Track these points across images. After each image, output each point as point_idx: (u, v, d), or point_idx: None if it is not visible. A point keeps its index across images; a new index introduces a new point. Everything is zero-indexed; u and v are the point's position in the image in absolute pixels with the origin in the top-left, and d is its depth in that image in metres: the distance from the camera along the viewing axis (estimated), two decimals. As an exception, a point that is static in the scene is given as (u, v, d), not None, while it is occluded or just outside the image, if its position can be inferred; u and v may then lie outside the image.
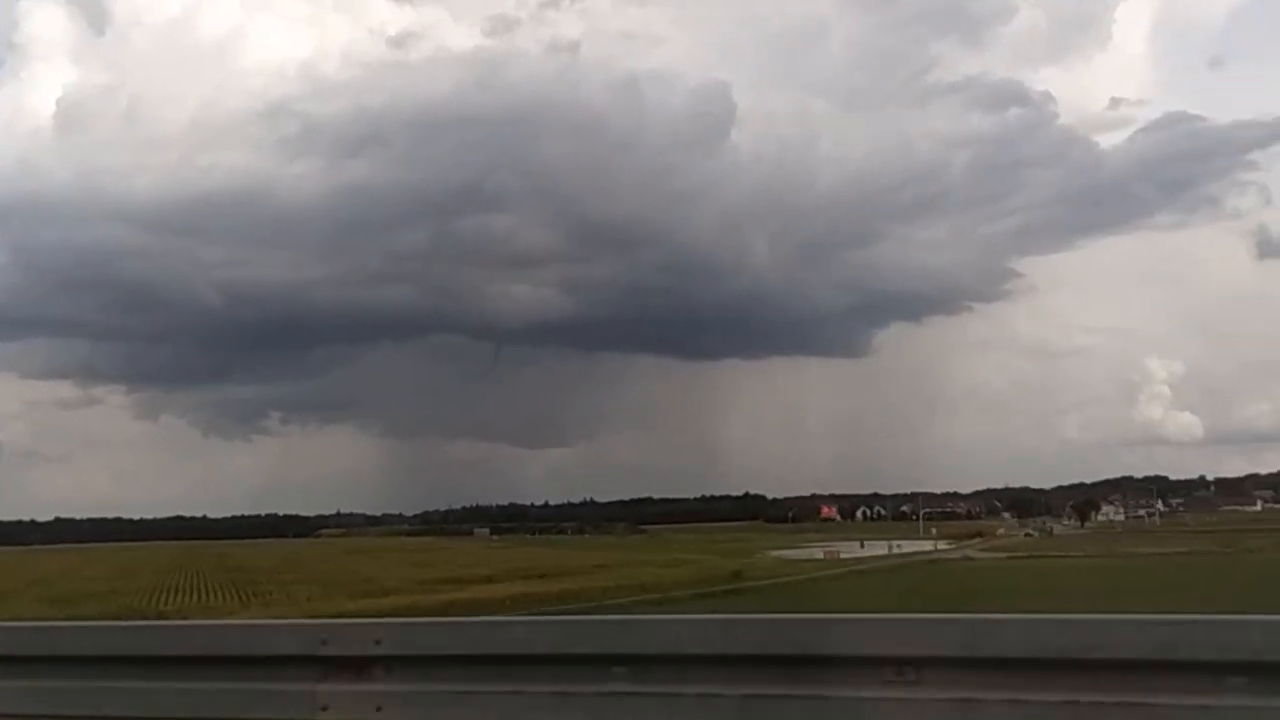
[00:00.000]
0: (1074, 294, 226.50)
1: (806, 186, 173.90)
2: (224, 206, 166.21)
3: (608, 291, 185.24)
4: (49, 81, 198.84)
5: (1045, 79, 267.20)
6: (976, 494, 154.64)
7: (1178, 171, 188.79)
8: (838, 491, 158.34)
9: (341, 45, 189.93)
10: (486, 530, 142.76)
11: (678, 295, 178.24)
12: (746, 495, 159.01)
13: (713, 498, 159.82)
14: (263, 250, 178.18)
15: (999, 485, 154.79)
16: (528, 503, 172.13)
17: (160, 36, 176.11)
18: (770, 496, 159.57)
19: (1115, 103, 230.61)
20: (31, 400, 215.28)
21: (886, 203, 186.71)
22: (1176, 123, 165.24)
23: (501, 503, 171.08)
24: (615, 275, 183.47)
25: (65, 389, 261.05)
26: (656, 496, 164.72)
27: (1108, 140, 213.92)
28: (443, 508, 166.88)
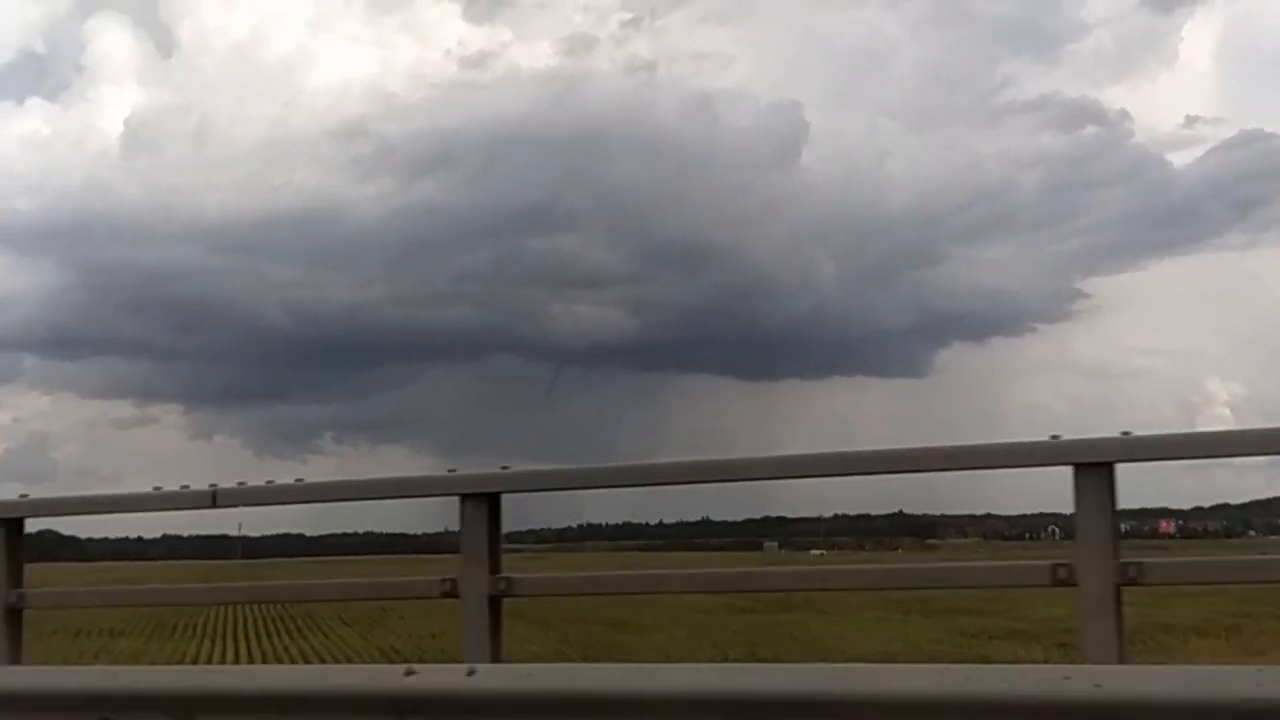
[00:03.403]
0: (1138, 314, 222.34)
1: (874, 206, 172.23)
2: (292, 226, 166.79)
3: (671, 312, 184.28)
4: (116, 102, 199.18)
5: (1115, 97, 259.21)
6: (1022, 517, 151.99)
7: (1250, 190, 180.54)
8: (840, 513, 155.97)
9: (409, 65, 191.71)
10: (775, 544, 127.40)
11: (741, 315, 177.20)
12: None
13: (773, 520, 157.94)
14: (328, 270, 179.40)
15: (1049, 510, 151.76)
16: (580, 523, 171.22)
17: (227, 58, 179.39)
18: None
19: (1190, 120, 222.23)
20: (88, 419, 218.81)
21: (953, 222, 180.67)
22: (1251, 141, 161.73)
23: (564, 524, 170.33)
24: (680, 295, 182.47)
25: (123, 408, 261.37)
26: (714, 519, 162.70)
27: (1180, 159, 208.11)
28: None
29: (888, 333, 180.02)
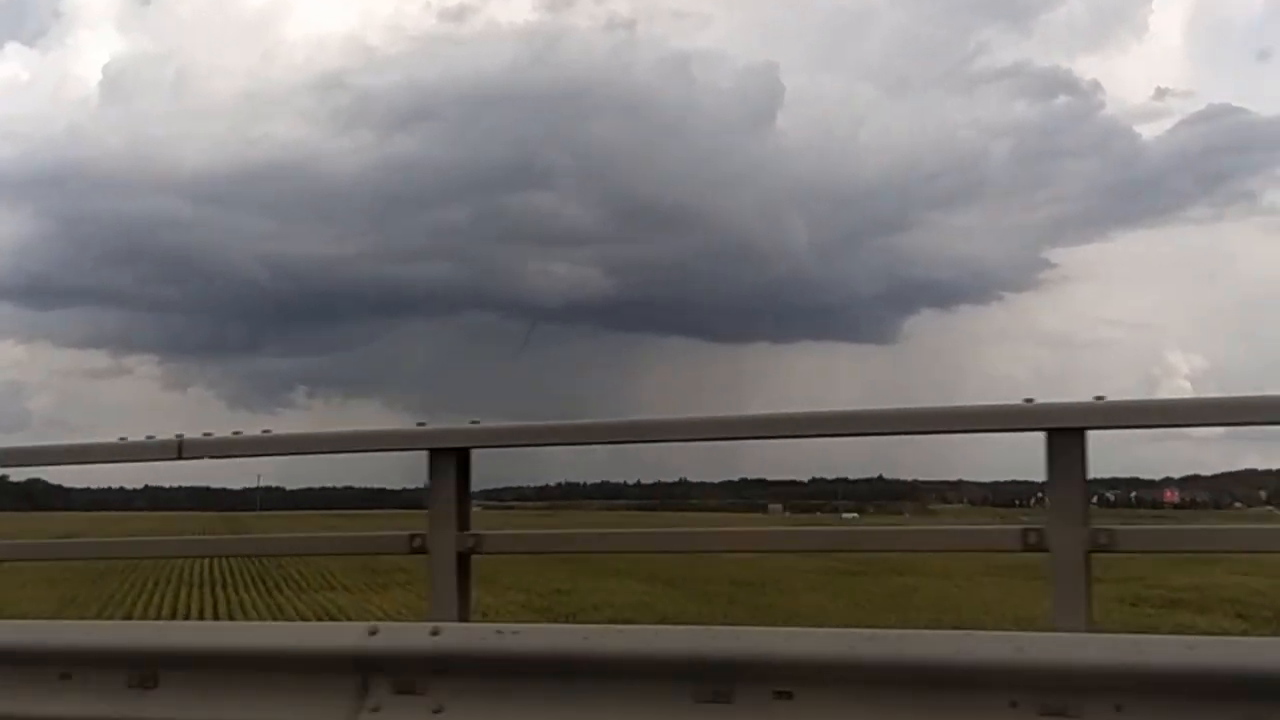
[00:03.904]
0: (1104, 286, 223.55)
1: (848, 171, 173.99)
2: (270, 178, 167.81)
3: (647, 272, 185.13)
4: (95, 50, 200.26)
5: (1087, 68, 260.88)
6: (984, 485, 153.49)
7: (1216, 164, 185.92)
8: (818, 476, 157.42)
9: (388, 17, 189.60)
10: (780, 506, 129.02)
11: (714, 278, 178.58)
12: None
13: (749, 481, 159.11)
14: (306, 223, 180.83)
15: (1006, 479, 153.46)
16: (548, 482, 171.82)
17: (206, 7, 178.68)
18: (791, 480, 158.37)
19: (1161, 93, 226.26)
20: (63, 369, 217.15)
21: (925, 189, 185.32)
22: (1219, 115, 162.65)
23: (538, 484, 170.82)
24: (655, 256, 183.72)
25: (98, 359, 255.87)
26: (693, 480, 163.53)
27: (1149, 131, 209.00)
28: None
29: (858, 298, 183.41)
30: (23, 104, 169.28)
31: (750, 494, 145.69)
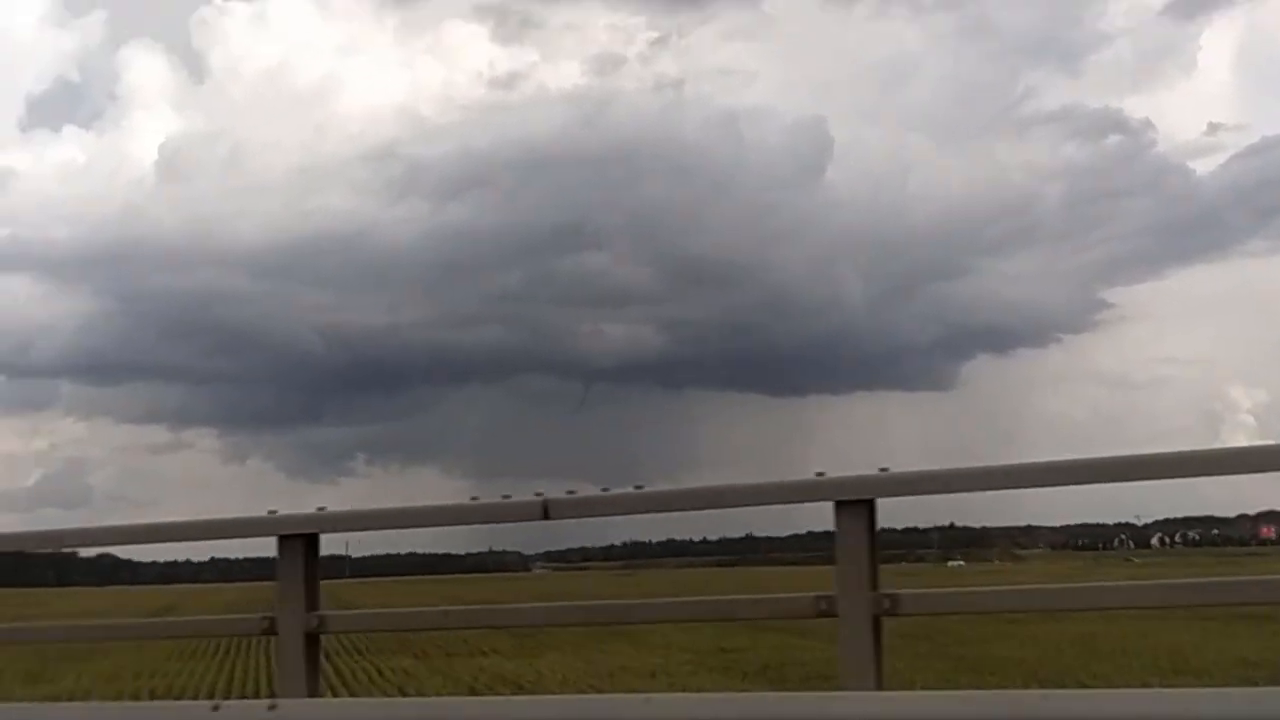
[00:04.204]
0: (1161, 323, 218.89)
1: (899, 221, 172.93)
2: (325, 250, 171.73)
3: (700, 329, 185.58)
4: (151, 130, 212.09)
5: (1137, 106, 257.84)
6: (1052, 529, 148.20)
7: (1271, 197, 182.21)
8: (886, 526, 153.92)
9: (438, 88, 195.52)
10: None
11: (768, 332, 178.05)
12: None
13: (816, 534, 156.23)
14: (361, 293, 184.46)
15: (1074, 521, 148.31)
16: (614, 542, 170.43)
17: (258, 84, 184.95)
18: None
19: (1213, 128, 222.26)
20: (123, 445, 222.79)
21: (977, 235, 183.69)
22: (1272, 147, 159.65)
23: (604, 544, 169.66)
24: (708, 313, 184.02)
25: (158, 433, 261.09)
26: (758, 535, 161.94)
27: (1202, 166, 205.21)
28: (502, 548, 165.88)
29: (913, 346, 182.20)
30: (80, 186, 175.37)
31: (820, 546, 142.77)
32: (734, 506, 3.74)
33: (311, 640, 3.81)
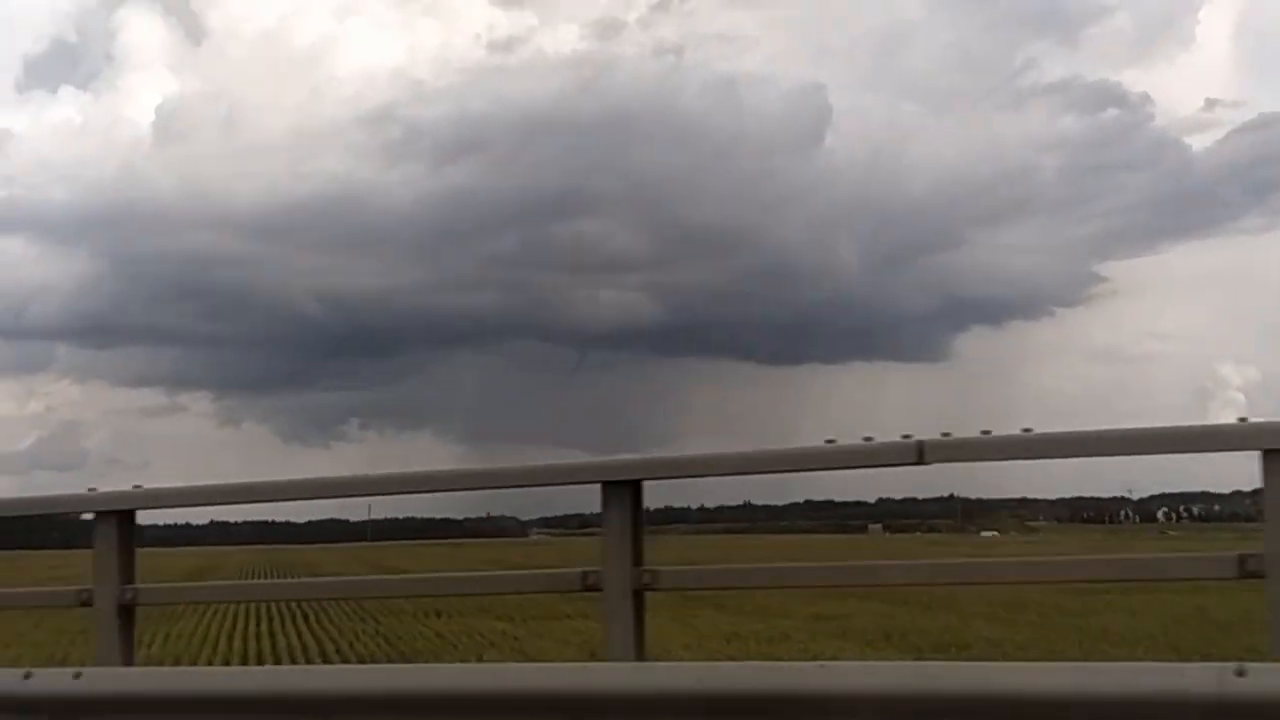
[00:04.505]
0: (1155, 299, 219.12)
1: (896, 190, 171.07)
2: (322, 212, 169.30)
3: (695, 296, 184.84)
4: (147, 91, 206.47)
5: (1136, 80, 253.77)
6: (1044, 502, 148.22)
7: (1268, 174, 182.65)
8: (884, 496, 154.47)
9: (436, 50, 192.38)
10: (880, 526, 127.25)
11: (764, 300, 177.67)
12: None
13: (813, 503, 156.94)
14: (357, 256, 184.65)
15: (1067, 495, 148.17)
16: (587, 511, 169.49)
17: (256, 46, 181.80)
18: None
19: (1210, 104, 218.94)
20: (119, 408, 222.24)
21: (975, 206, 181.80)
22: (1270, 124, 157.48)
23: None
24: (704, 280, 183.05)
25: (153, 397, 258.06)
26: (757, 503, 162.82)
27: (1199, 142, 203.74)
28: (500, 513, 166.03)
29: (908, 317, 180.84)
30: (77, 147, 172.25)
31: (822, 515, 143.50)
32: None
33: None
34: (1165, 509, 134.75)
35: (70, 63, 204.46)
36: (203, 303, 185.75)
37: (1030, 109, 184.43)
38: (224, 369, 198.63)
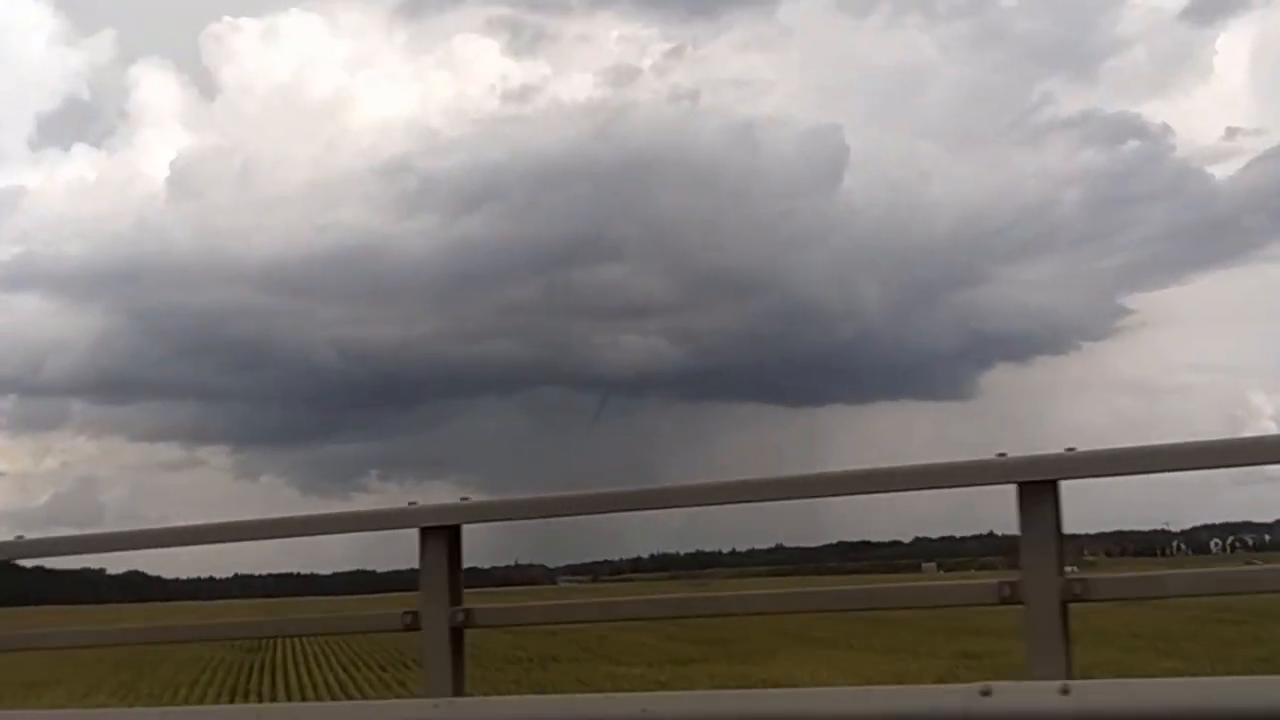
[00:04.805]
0: (1182, 329, 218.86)
1: (916, 229, 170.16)
2: (339, 264, 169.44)
3: (717, 340, 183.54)
4: (162, 146, 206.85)
5: (1155, 111, 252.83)
6: (1085, 537, 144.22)
7: None
8: (921, 536, 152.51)
9: (450, 101, 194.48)
10: (934, 564, 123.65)
11: (785, 342, 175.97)
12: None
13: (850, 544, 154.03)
14: (375, 307, 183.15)
15: (1093, 530, 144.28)
16: (616, 557, 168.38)
17: (269, 100, 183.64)
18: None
19: (1231, 133, 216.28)
20: (135, 463, 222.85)
21: (995, 242, 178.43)
22: None
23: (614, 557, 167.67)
24: (725, 324, 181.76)
25: (171, 451, 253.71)
26: (789, 545, 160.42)
27: (1221, 171, 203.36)
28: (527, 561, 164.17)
29: (932, 355, 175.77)
30: (92, 203, 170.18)
31: (858, 557, 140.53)
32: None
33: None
34: (1217, 539, 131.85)
35: (84, 120, 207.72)
36: (220, 356, 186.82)
37: (1049, 144, 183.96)
38: (242, 422, 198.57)
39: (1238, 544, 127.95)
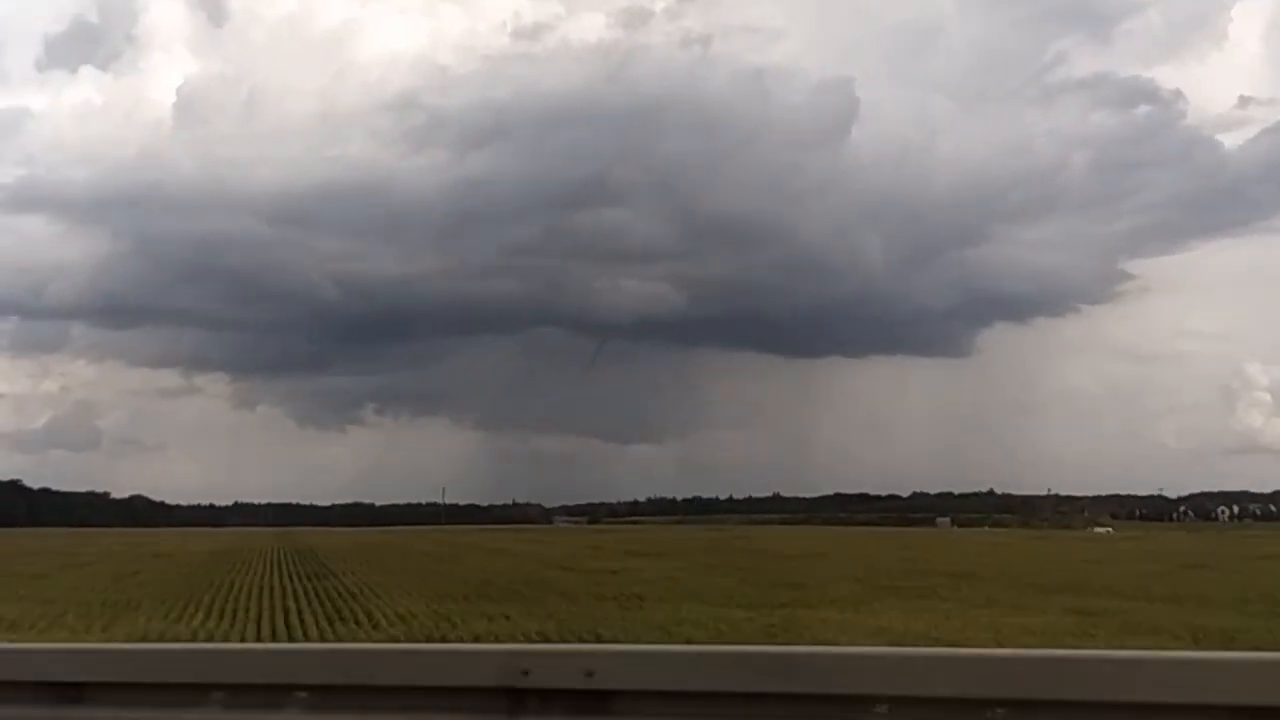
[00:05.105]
0: (1182, 297, 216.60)
1: (923, 185, 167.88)
2: (345, 198, 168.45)
3: (718, 288, 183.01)
4: (168, 72, 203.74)
5: (1168, 77, 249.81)
6: (1093, 499, 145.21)
7: None
8: (919, 490, 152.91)
9: (460, 37, 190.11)
10: (948, 520, 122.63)
11: (788, 293, 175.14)
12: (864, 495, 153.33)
13: (846, 496, 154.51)
14: (379, 242, 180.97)
15: (1090, 493, 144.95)
16: (613, 500, 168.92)
17: (277, 29, 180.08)
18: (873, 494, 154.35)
19: (1244, 101, 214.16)
20: (134, 388, 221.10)
21: (1001, 202, 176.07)
22: None
23: (609, 500, 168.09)
24: (728, 272, 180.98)
25: (170, 378, 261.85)
26: (786, 495, 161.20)
27: (1231, 140, 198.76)
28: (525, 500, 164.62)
29: (931, 312, 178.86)
30: (98, 127, 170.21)
31: (855, 508, 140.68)
32: None
33: None
34: (1223, 507, 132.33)
35: (91, 43, 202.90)
36: (222, 285, 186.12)
37: (1060, 105, 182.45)
38: (241, 351, 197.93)
39: (1249, 514, 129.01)
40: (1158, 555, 44.57)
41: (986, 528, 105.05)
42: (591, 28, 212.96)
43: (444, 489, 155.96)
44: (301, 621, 19.91)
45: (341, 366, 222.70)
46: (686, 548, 50.25)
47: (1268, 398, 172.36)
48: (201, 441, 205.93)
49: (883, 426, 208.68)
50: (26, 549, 48.95)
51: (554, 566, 34.94)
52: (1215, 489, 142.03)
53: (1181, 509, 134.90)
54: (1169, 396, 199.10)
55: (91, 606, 21.07)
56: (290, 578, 31.49)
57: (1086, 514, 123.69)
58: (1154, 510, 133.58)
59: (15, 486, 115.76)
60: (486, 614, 19.41)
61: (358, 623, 19.18)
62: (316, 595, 25.30)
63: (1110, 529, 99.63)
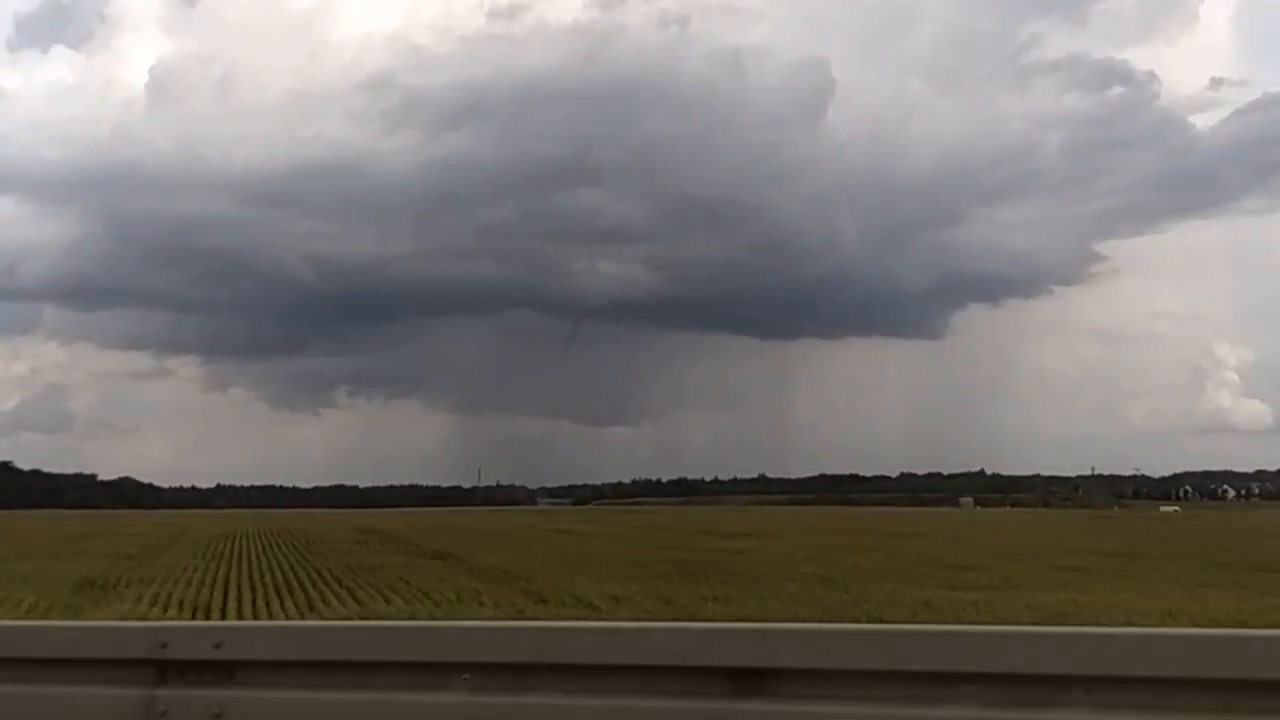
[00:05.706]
0: (1154, 278, 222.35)
1: (897, 166, 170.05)
2: (319, 178, 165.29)
3: (695, 270, 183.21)
4: (141, 52, 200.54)
5: (1141, 58, 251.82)
6: (1084, 478, 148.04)
7: (1270, 155, 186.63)
8: (906, 471, 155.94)
9: (436, 17, 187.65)
10: (970, 500, 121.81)
11: (763, 274, 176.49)
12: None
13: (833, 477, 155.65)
14: (353, 223, 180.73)
15: (1063, 473, 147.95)
16: (595, 482, 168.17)
17: (250, 8, 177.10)
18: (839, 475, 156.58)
19: (1216, 83, 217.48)
20: (105, 371, 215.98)
21: (976, 183, 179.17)
22: (1273, 104, 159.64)
23: (589, 481, 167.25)
24: (704, 253, 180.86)
25: (141, 360, 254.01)
26: (771, 475, 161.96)
27: (1203, 121, 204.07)
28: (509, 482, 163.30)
29: (906, 293, 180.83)
30: (69, 107, 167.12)
31: (846, 489, 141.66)
32: None
33: None
34: (1228, 486, 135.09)
35: (63, 21, 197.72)
36: (194, 266, 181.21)
37: (1034, 86, 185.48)
38: (214, 333, 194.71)
39: (1252, 493, 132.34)
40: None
41: (1008, 507, 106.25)
42: (568, 7, 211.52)
43: (479, 469, 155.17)
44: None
45: (315, 348, 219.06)
46: (813, 529, 49.47)
47: (1236, 378, 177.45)
48: (174, 424, 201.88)
49: (860, 408, 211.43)
50: (80, 530, 47.01)
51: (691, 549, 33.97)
52: (1189, 469, 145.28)
53: (1184, 488, 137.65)
54: (1140, 377, 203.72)
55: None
56: (422, 557, 30.61)
57: (1080, 493, 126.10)
58: (1161, 491, 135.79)
59: (6, 468, 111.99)
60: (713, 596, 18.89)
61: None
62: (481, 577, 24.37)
63: (1178, 508, 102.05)
